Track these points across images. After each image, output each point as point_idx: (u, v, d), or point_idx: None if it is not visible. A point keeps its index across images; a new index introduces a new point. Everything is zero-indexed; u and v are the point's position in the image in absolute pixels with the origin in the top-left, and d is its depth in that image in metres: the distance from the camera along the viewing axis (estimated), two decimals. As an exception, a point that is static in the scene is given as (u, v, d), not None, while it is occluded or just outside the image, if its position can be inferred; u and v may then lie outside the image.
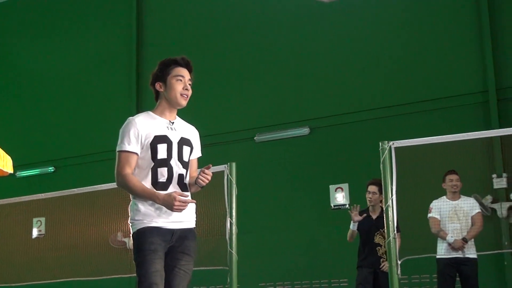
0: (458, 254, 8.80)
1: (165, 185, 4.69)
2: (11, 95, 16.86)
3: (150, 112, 4.89)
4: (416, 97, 12.14)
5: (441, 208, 9.11)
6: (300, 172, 12.84)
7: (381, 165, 7.67)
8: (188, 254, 4.74)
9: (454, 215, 9.01)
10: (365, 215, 8.82)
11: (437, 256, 8.95)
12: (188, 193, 4.83)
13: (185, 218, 4.76)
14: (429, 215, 9.12)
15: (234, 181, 8.55)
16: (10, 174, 7.70)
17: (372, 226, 8.77)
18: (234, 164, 8.61)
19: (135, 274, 4.61)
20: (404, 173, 7.84)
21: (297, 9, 13.56)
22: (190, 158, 4.90)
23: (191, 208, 4.84)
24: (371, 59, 12.72)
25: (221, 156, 11.46)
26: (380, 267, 8.60)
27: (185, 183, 4.81)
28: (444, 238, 8.87)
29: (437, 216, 9.05)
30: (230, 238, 8.46)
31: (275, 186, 12.97)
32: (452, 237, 8.79)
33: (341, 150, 12.55)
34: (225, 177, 8.58)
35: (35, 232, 13.28)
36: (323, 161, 12.66)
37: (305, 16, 13.47)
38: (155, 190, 4.62)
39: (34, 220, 13.15)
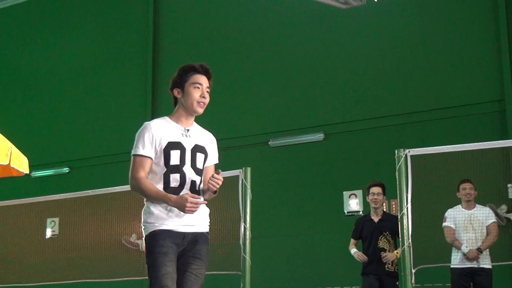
0: (473, 264, 8.68)
1: (176, 191, 4.69)
2: (28, 96, 16.93)
3: (167, 118, 4.90)
4: (432, 105, 12.09)
5: (456, 217, 8.98)
6: (314, 177, 12.81)
7: (397, 173, 7.64)
8: (199, 258, 4.73)
9: (469, 225, 8.88)
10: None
11: (451, 266, 8.84)
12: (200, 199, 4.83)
13: (197, 222, 4.76)
14: (444, 224, 8.99)
15: (248, 186, 8.54)
16: (26, 174, 7.73)
17: (375, 229, 8.70)
18: (249, 169, 8.60)
19: (147, 277, 4.62)
20: (418, 181, 7.81)
21: (313, 15, 13.54)
22: (206, 165, 4.90)
23: (204, 211, 4.85)
24: (388, 65, 12.68)
25: (236, 160, 11.45)
26: (382, 257, 8.47)
27: (198, 190, 4.81)
28: (459, 248, 8.76)
29: (452, 226, 8.93)
30: (244, 243, 8.45)
31: (289, 191, 12.95)
32: (467, 247, 8.68)
33: (356, 156, 12.52)
34: (240, 182, 8.57)
35: (48, 233, 13.28)
36: (337, 167, 12.63)
37: (321, 22, 13.46)
38: (167, 193, 4.64)
39: (48, 220, 13.16)
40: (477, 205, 9.04)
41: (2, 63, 17.71)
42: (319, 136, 12.97)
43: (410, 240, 7.43)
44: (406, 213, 7.50)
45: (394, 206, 11.40)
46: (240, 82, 14.06)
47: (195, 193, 4.76)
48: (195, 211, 4.62)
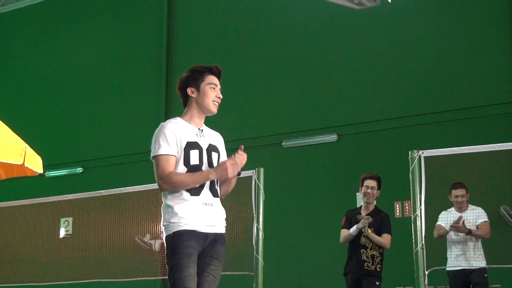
0: (466, 266, 8.53)
1: (197, 191, 4.71)
2: (42, 97, 17.00)
3: (179, 118, 4.92)
4: (446, 106, 12.06)
5: (448, 219, 8.75)
6: (327, 178, 12.80)
7: (410, 174, 7.63)
8: (217, 259, 4.75)
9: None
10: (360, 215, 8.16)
11: (447, 268, 8.69)
12: (218, 199, 4.85)
13: (217, 222, 4.79)
14: (437, 223, 8.79)
15: (261, 186, 8.55)
16: (40, 174, 7.76)
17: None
18: (262, 170, 8.61)
19: (162, 277, 4.65)
20: (432, 183, 7.79)
21: (327, 16, 13.53)
22: None
23: (222, 213, 4.87)
24: (401, 67, 12.66)
25: (249, 161, 11.43)
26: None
27: (216, 189, 4.83)
28: (445, 233, 8.56)
29: (444, 225, 8.70)
30: (257, 244, 8.46)
31: (301, 192, 12.94)
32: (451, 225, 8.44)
33: (369, 157, 12.49)
34: (253, 182, 8.58)
35: (62, 232, 13.36)
36: (350, 168, 12.61)
37: (335, 23, 13.45)
38: (204, 171, 4.70)
39: (62, 220, 13.23)
40: (471, 206, 8.80)
41: (16, 63, 17.80)
42: (333, 137, 12.96)
43: (423, 241, 7.42)
44: (419, 215, 7.48)
45: (407, 207, 11.38)
46: (254, 83, 14.07)
47: (214, 192, 4.79)
48: (241, 165, 4.72)
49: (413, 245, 7.48)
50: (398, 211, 11.73)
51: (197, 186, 4.70)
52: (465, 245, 8.56)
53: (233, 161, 4.70)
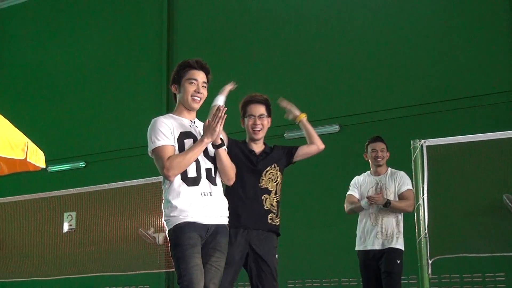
0: (377, 247, 7.60)
1: (195, 180, 4.73)
2: (44, 92, 17.00)
3: (170, 114, 4.97)
4: (448, 95, 12.03)
5: (361, 186, 8.02)
6: (329, 169, 12.79)
7: (413, 164, 7.62)
8: (219, 251, 4.77)
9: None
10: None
11: (356, 249, 7.91)
12: (218, 188, 4.87)
13: (217, 213, 4.80)
14: (348, 193, 8.08)
15: (264, 178, 8.52)
16: (42, 168, 7.77)
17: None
18: (264, 161, 8.59)
19: (166, 270, 4.67)
20: (434, 172, 7.78)
21: (328, 6, 13.51)
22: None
23: (224, 204, 4.89)
24: (403, 56, 12.63)
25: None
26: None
27: (214, 177, 4.85)
28: (359, 209, 7.83)
29: (356, 195, 8.00)
30: (259, 236, 8.44)
31: (304, 183, 12.93)
32: (366, 201, 7.67)
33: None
34: (256, 174, 8.56)
35: (65, 227, 13.38)
36: (353, 158, 12.58)
37: (336, 13, 13.42)
38: (194, 144, 4.73)
39: (65, 214, 13.25)
40: (390, 169, 8.01)
41: (18, 58, 17.80)
42: (335, 128, 12.94)
43: (426, 231, 7.42)
44: (422, 204, 7.48)
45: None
46: (255, 75, 14.04)
47: (212, 180, 4.81)
48: (221, 122, 4.69)
49: (416, 234, 7.48)
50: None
51: (195, 176, 4.72)
52: (378, 219, 7.75)
53: (215, 115, 4.71)
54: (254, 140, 6.24)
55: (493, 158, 9.48)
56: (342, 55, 13.23)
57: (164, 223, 4.79)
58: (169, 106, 14.52)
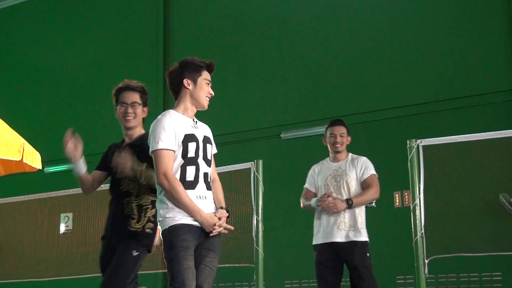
0: (340, 239, 6.90)
1: (192, 184, 4.73)
2: (41, 92, 16.98)
3: (173, 111, 4.94)
4: (444, 95, 12.04)
5: (318, 175, 7.32)
6: (326, 169, 12.78)
7: (409, 164, 7.64)
8: (213, 251, 4.78)
9: (333, 182, 7.10)
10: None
11: (314, 243, 7.28)
12: (211, 192, 4.88)
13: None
14: (305, 185, 7.46)
15: (260, 178, 8.57)
16: (39, 169, 7.78)
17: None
18: (261, 162, 8.63)
19: (163, 270, 4.69)
20: (430, 172, 7.79)
21: (324, 6, 13.51)
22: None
23: (214, 207, 4.90)
24: (399, 56, 12.64)
25: (248, 153, 11.48)
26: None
27: (209, 181, 4.86)
28: (309, 206, 7.20)
29: (311, 188, 7.39)
30: (257, 236, 8.49)
31: (301, 184, 12.89)
32: (315, 202, 7.03)
33: (367, 147, 12.46)
34: (252, 174, 8.61)
35: (62, 228, 13.38)
36: (350, 159, 12.61)
37: (332, 12, 13.42)
38: (199, 207, 4.66)
39: (62, 215, 13.25)
40: (351, 155, 7.30)
41: (14, 59, 17.78)
42: (331, 128, 12.94)
43: (422, 230, 7.43)
44: (418, 204, 7.49)
45: (406, 197, 11.38)
46: (252, 75, 14.05)
47: (207, 185, 4.81)
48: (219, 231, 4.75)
49: (413, 234, 7.49)
50: (397, 200, 11.73)
51: (192, 179, 4.72)
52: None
53: (223, 226, 4.85)
54: (127, 128, 6.02)
55: (489, 157, 9.49)
56: (339, 56, 13.23)
57: (158, 223, 4.80)
58: (165, 107, 14.51)
